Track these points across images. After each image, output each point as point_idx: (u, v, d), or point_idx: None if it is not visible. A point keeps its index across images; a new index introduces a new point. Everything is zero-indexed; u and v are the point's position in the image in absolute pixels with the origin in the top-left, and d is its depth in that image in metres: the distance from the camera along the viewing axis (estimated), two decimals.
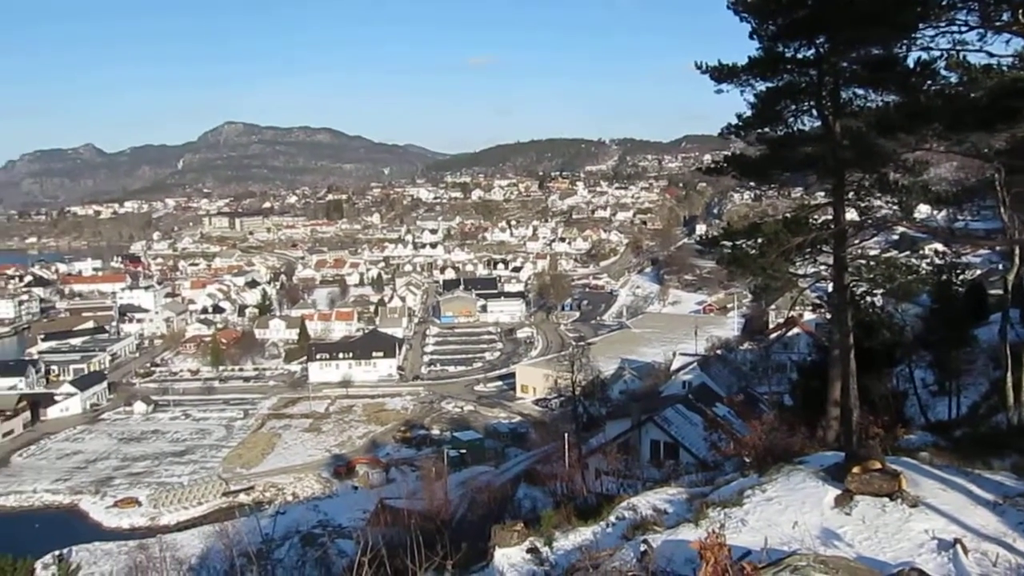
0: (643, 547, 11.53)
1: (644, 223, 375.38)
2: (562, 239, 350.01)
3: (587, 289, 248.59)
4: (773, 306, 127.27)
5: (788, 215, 23.91)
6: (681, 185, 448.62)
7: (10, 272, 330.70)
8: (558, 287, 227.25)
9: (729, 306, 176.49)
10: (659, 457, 42.16)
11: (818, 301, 35.04)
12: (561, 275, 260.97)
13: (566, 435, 44.18)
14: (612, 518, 14.94)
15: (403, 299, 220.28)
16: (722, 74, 23.17)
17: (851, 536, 11.93)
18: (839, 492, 13.05)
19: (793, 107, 23.65)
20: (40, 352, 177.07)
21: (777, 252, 22.64)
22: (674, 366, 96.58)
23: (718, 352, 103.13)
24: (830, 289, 26.04)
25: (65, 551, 76.83)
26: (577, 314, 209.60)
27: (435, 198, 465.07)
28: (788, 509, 12.99)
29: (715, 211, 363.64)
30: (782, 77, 23.21)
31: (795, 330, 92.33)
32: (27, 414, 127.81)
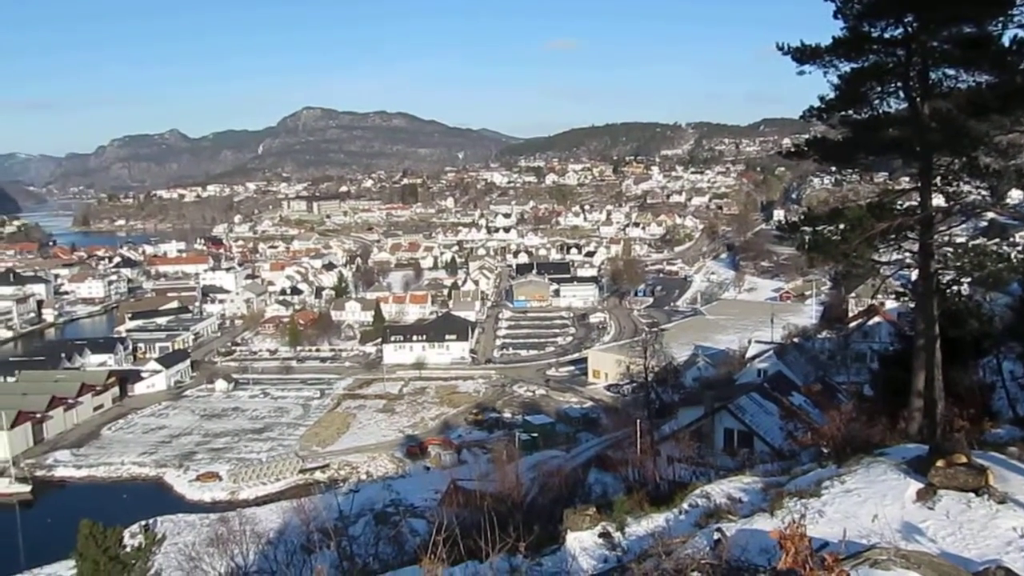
0: (717, 535, 11.39)
1: (720, 208, 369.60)
2: (636, 224, 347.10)
3: (661, 275, 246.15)
4: (853, 294, 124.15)
5: (872, 200, 23.20)
6: (759, 169, 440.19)
7: (100, 253, 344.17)
8: (631, 272, 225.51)
9: (807, 293, 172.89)
10: (733, 445, 41.68)
11: (901, 289, 33.89)
12: (635, 260, 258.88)
13: (638, 421, 43.95)
14: (685, 505, 14.81)
15: (476, 283, 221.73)
16: (804, 55, 22.55)
17: (934, 531, 11.58)
18: (922, 486, 12.67)
19: (879, 88, 22.87)
20: (128, 330, 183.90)
21: (860, 238, 21.99)
22: (749, 354, 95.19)
23: (795, 340, 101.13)
24: (914, 277, 25.24)
25: (151, 521, 79.65)
26: (650, 300, 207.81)
27: (509, 182, 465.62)
28: (868, 501, 12.68)
29: (794, 196, 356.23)
30: (868, 57, 22.46)
31: (876, 318, 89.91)
32: (116, 390, 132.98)
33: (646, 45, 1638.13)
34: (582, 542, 13.39)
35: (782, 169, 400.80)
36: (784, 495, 13.56)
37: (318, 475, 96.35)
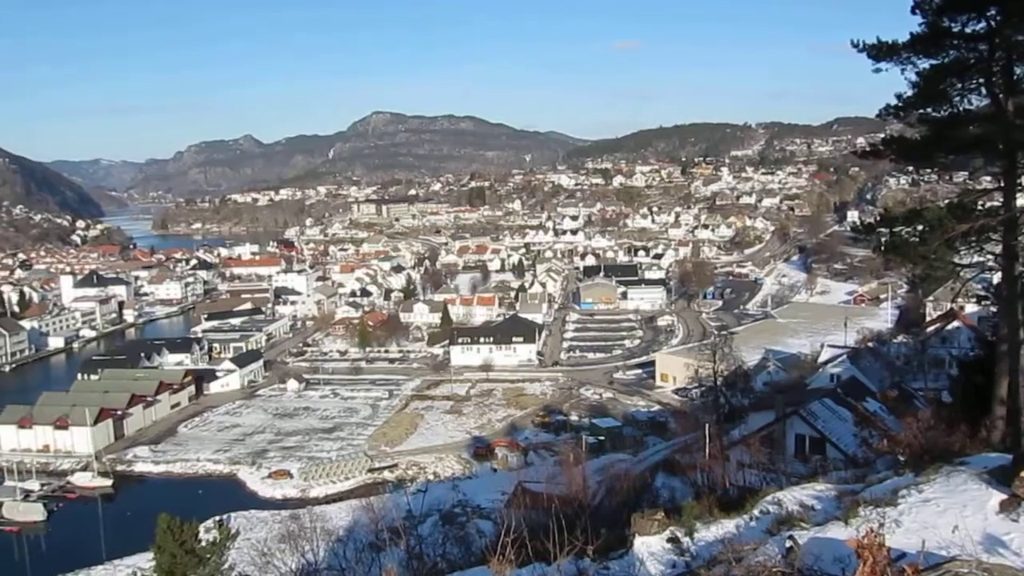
0: (789, 543, 11.16)
1: (791, 209, 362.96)
2: (705, 226, 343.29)
3: (730, 277, 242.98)
4: (931, 297, 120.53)
5: (952, 200, 22.50)
6: (832, 170, 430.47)
7: (178, 256, 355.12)
8: (700, 275, 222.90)
9: (882, 296, 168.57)
10: (804, 452, 40.77)
11: (982, 293, 32.85)
12: (704, 262, 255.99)
13: (707, 425, 43.30)
14: (756, 512, 14.55)
15: (543, 285, 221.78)
16: (880, 52, 22.00)
17: (1018, 544, 11.14)
18: (1005, 497, 12.21)
19: (960, 85, 22.18)
20: (203, 331, 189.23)
21: (940, 240, 21.35)
22: (822, 358, 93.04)
23: (870, 344, 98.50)
24: (997, 280, 24.44)
25: (225, 516, 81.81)
26: (720, 302, 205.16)
27: (576, 184, 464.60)
28: (947, 512, 12.27)
29: (868, 197, 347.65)
30: (948, 53, 21.80)
31: (955, 323, 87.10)
32: (192, 388, 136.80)
33: (714, 45, 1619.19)
34: (650, 547, 13.26)
35: (856, 169, 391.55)
36: (859, 503, 13.22)
37: (386, 475, 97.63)
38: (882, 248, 23.71)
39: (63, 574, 74.47)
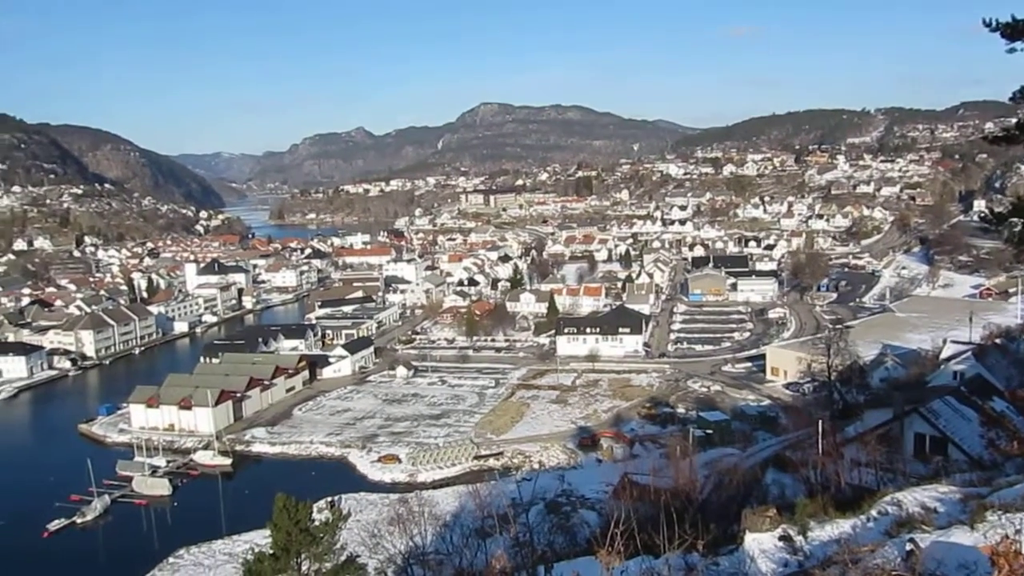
0: (909, 546, 10.75)
1: (912, 199, 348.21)
2: (819, 216, 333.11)
3: (846, 269, 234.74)
4: None
5: None
6: (957, 157, 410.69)
7: (293, 245, 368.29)
8: (814, 266, 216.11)
9: (1012, 290, 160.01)
10: (924, 452, 39.09)
11: None
12: (818, 254, 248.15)
13: (820, 421, 42.08)
14: (873, 512, 14.08)
15: (651, 276, 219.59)
16: (1016, 31, 20.82)
17: None
18: None
19: None
20: (317, 318, 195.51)
21: None
22: (944, 354, 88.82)
23: (997, 341, 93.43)
24: None
25: (336, 498, 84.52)
26: (834, 295, 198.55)
27: (685, 174, 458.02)
28: None
29: (997, 185, 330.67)
30: None
31: None
32: (306, 373, 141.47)
33: (832, 29, 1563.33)
34: (761, 544, 13.00)
35: (984, 156, 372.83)
36: (986, 508, 12.61)
37: (492, 462, 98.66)
38: (1015, 239, 22.50)
39: (186, 546, 78.43)
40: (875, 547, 11.44)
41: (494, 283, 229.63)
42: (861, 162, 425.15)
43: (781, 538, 13.16)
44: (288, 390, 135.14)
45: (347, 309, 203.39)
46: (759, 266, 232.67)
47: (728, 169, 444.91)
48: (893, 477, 26.87)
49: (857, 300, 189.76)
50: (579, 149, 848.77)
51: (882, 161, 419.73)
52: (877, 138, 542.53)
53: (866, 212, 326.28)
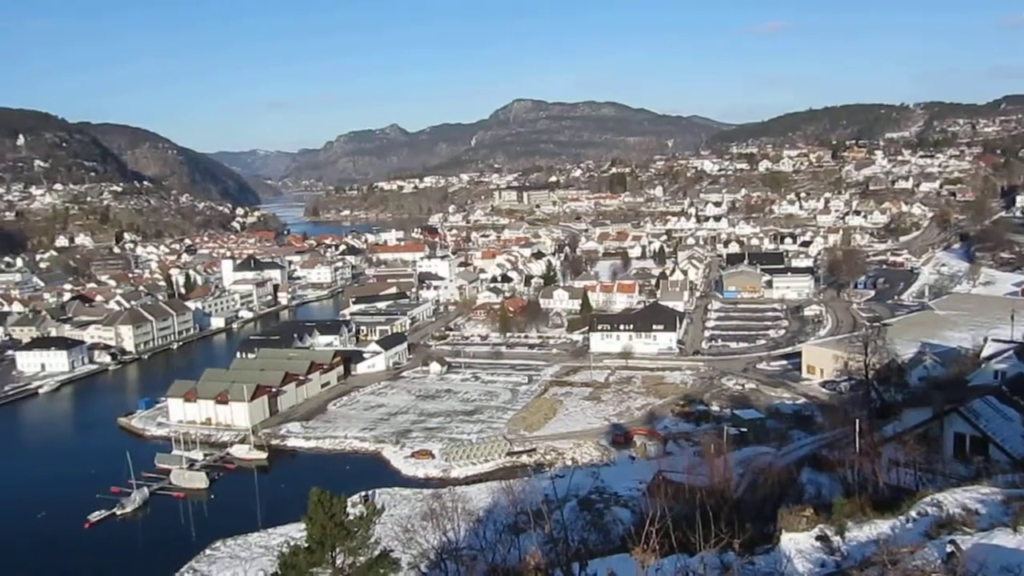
0: (950, 548, 10.60)
1: (952, 194, 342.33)
2: (857, 212, 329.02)
3: (884, 266, 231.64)
4: None
5: None
6: (999, 152, 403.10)
7: (328, 241, 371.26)
8: (851, 263, 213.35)
9: None
10: (964, 452, 38.51)
11: None
12: (855, 250, 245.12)
13: (857, 421, 41.60)
14: (912, 513, 13.90)
15: (685, 272, 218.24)
16: None
17: None
18: None
19: None
20: (351, 314, 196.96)
21: None
22: (985, 353, 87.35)
23: None
24: None
25: (370, 492, 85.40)
26: (872, 292, 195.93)
27: (719, 170, 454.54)
28: None
29: None
30: None
31: None
32: (340, 368, 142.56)
33: (868, 22, 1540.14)
34: (798, 544, 12.89)
35: None
36: None
37: (525, 458, 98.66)
38: None
39: (222, 538, 79.46)
40: (915, 548, 11.31)
41: (527, 280, 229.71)
42: (900, 157, 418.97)
43: (818, 538, 13.05)
44: (323, 385, 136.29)
45: (381, 305, 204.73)
46: (795, 263, 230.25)
47: (764, 165, 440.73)
48: (932, 478, 26.50)
49: (895, 297, 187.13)
50: (613, 145, 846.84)
51: (921, 156, 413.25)
52: (916, 133, 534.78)
53: (905, 208, 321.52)
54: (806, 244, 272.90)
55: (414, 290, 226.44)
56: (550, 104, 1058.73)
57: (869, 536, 12.94)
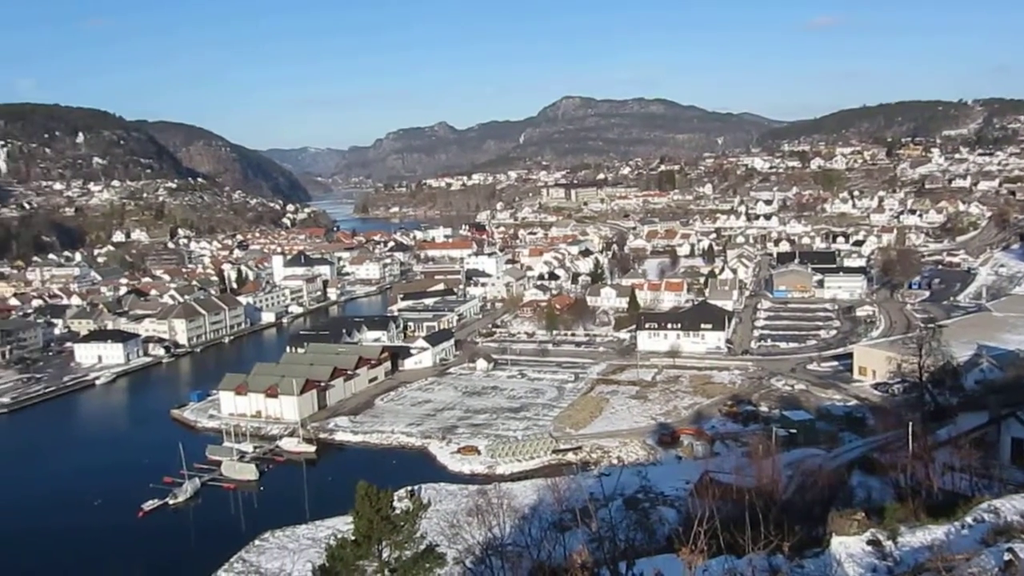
0: (1008, 556, 10.32)
1: (1012, 193, 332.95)
2: (912, 211, 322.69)
3: (939, 266, 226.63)
4: None
5: None
6: None
7: (376, 238, 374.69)
8: (905, 263, 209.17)
9: None
10: (1022, 458, 37.60)
11: None
12: (909, 250, 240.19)
13: (910, 424, 40.82)
14: (968, 519, 13.56)
15: (734, 271, 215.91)
16: None
17: None
18: None
19: None
20: (399, 310, 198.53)
21: None
22: None
23: None
24: None
25: (416, 487, 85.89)
26: (927, 293, 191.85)
27: (770, 167, 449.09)
28: None
29: None
30: None
31: None
32: (388, 364, 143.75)
33: (925, 15, 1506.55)
34: (848, 548, 12.67)
35: None
36: None
37: (570, 456, 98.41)
38: None
39: (271, 529, 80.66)
40: (970, 555, 11.04)
41: (575, 277, 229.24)
42: (957, 155, 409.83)
43: (869, 542, 12.81)
44: (370, 380, 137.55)
45: (428, 302, 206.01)
46: (847, 262, 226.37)
47: (816, 163, 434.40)
48: (989, 483, 25.86)
49: (951, 299, 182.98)
50: (662, 143, 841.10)
51: (980, 154, 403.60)
52: (975, 130, 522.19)
53: (962, 207, 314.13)
54: (859, 243, 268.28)
55: (461, 287, 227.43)
56: (599, 101, 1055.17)
57: (923, 542, 12.67)
